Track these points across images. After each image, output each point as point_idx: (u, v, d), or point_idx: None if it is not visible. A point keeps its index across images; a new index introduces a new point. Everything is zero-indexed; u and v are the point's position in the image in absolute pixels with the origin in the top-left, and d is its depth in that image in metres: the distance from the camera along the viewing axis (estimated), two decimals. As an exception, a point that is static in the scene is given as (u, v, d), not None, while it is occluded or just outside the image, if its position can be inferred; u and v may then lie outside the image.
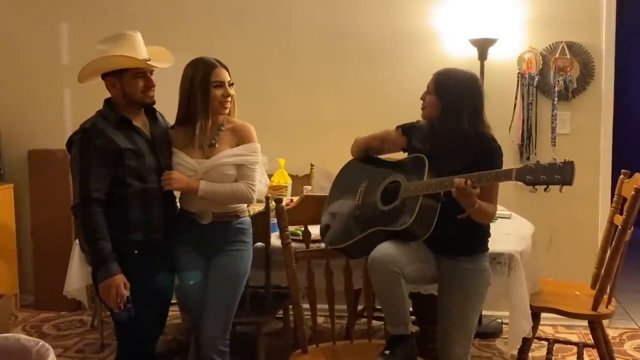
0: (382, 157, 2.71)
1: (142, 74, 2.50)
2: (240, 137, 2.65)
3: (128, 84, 2.49)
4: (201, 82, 2.54)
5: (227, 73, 2.62)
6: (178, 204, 2.71)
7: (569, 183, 2.13)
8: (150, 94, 2.53)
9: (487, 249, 2.55)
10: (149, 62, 2.53)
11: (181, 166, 2.58)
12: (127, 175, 2.45)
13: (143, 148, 2.51)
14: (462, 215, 2.30)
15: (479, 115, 2.46)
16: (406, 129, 2.61)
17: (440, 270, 2.52)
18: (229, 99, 2.61)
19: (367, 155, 2.71)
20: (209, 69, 2.57)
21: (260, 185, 3.56)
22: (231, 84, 2.63)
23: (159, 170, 2.54)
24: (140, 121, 2.57)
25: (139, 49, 2.53)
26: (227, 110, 2.63)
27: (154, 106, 2.63)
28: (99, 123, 2.46)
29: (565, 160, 2.15)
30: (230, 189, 2.60)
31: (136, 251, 2.47)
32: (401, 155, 2.66)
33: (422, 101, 2.52)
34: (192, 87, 2.55)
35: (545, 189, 2.18)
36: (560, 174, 2.12)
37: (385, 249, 2.37)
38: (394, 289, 2.35)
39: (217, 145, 2.61)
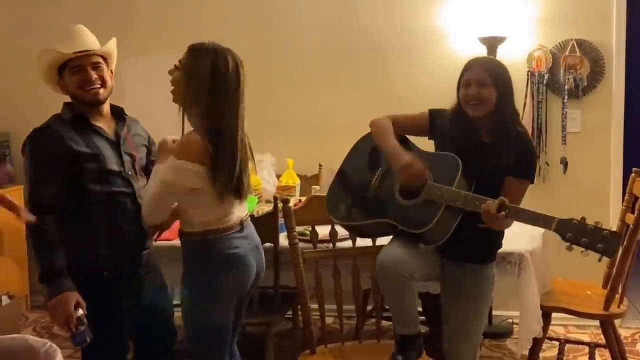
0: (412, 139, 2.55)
1: (78, 68, 2.25)
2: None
3: (69, 81, 2.28)
4: None
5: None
6: None
7: (611, 256, 2.02)
8: (90, 89, 2.26)
9: (495, 258, 2.49)
10: (74, 52, 2.25)
11: None
12: (86, 179, 2.21)
13: (103, 149, 2.26)
14: (482, 225, 2.21)
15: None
16: (434, 115, 2.46)
17: (443, 274, 2.48)
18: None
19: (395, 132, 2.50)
20: None
21: (269, 185, 3.57)
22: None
23: (124, 173, 2.31)
24: (102, 122, 2.34)
25: (76, 41, 2.28)
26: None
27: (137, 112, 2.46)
28: (53, 124, 2.25)
29: (611, 229, 2.02)
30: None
31: (105, 273, 2.24)
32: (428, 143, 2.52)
33: (474, 97, 2.30)
34: None
35: (582, 252, 2.04)
36: (604, 244, 1.99)
37: (394, 254, 2.29)
38: (405, 294, 2.30)
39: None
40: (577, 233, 2.03)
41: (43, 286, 2.18)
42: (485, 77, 2.29)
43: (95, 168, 2.23)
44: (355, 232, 2.60)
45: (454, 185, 2.25)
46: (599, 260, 2.04)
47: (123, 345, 2.36)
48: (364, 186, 2.50)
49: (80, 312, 2.11)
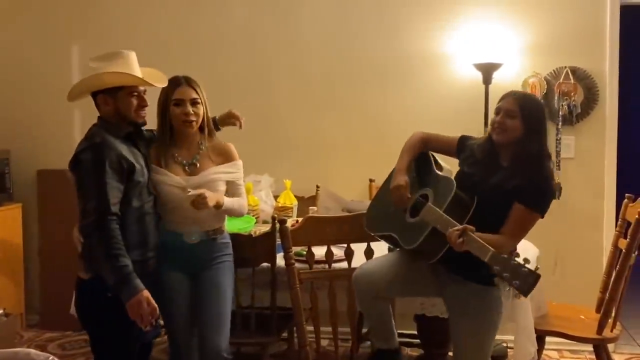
0: (438, 157, 2.69)
1: (136, 93, 2.46)
2: (225, 156, 2.71)
3: (122, 102, 2.43)
4: (162, 101, 2.63)
5: (192, 91, 2.62)
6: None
7: (524, 294, 2.10)
8: (142, 113, 2.49)
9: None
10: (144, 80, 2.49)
11: (165, 184, 2.58)
12: (131, 192, 2.39)
13: (142, 163, 2.49)
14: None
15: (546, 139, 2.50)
16: (463, 140, 2.63)
17: (450, 292, 2.53)
18: (191, 117, 2.60)
19: (425, 150, 2.69)
20: (172, 87, 2.61)
21: (266, 205, 3.60)
22: (196, 102, 2.62)
23: (149, 185, 2.53)
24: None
25: (134, 67, 2.50)
26: (193, 129, 2.63)
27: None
28: (107, 138, 2.38)
29: (536, 268, 2.13)
30: (238, 204, 2.71)
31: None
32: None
33: (499, 124, 2.43)
34: (159, 106, 2.64)
35: (507, 288, 2.18)
36: (520, 281, 2.08)
37: (368, 266, 2.52)
38: (375, 306, 2.48)
39: (198, 165, 2.65)
40: (502, 267, 2.11)
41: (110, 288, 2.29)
42: (514, 109, 2.41)
43: (140, 181, 2.43)
44: (385, 240, 2.70)
45: (444, 207, 2.36)
46: (516, 296, 2.15)
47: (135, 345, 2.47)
48: (389, 201, 2.63)
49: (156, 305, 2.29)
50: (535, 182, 2.39)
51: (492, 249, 2.16)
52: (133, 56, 2.52)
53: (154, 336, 2.35)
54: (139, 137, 2.59)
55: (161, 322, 2.35)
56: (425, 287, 2.57)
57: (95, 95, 2.47)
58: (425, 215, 2.41)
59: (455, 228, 2.24)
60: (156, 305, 2.29)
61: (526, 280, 2.07)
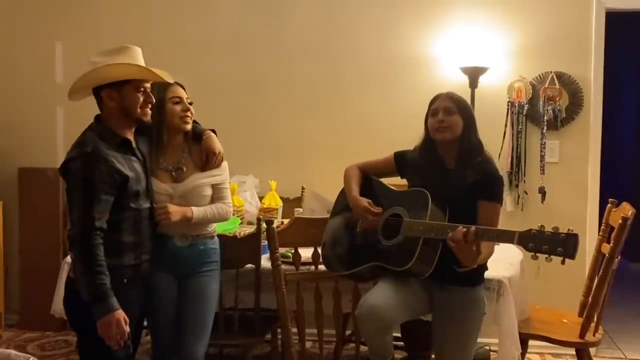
0: (385, 181, 2.69)
1: (143, 88, 2.35)
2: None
3: (128, 97, 2.32)
4: (158, 101, 2.49)
5: (183, 91, 2.60)
6: None
7: (572, 257, 2.09)
8: (148, 110, 2.38)
9: (483, 280, 2.56)
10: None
11: (154, 192, 2.52)
12: (125, 200, 2.32)
13: (139, 169, 2.40)
14: (461, 269, 2.30)
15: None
16: (400, 156, 2.64)
17: (434, 301, 2.53)
18: (189, 113, 2.58)
19: (366, 176, 2.69)
20: (163, 88, 2.54)
21: (251, 206, 3.58)
22: (190, 103, 2.60)
23: (149, 190, 2.47)
24: (130, 137, 2.44)
25: (140, 61, 2.40)
26: (189, 126, 2.59)
27: None
28: (99, 145, 2.27)
29: (569, 230, 2.11)
30: (216, 210, 2.63)
31: (125, 280, 2.34)
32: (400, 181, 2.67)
33: (441, 123, 2.48)
34: (153, 107, 2.46)
35: (546, 259, 2.13)
36: (563, 247, 2.09)
37: (373, 301, 2.37)
38: (382, 339, 2.40)
39: (184, 169, 2.59)
40: (537, 242, 2.12)
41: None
42: (451, 105, 2.49)
43: (134, 190, 2.35)
44: (355, 279, 2.66)
45: (427, 217, 2.36)
46: (562, 263, 2.10)
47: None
48: (351, 234, 2.61)
49: (128, 327, 2.24)
50: (489, 174, 2.47)
51: (515, 230, 2.17)
52: (139, 51, 2.41)
53: (123, 356, 2.29)
54: (138, 135, 2.48)
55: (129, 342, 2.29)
56: (420, 305, 2.54)
57: (98, 91, 2.33)
58: (409, 230, 2.39)
59: (459, 228, 2.22)
60: (126, 328, 2.23)
61: (568, 244, 2.08)
